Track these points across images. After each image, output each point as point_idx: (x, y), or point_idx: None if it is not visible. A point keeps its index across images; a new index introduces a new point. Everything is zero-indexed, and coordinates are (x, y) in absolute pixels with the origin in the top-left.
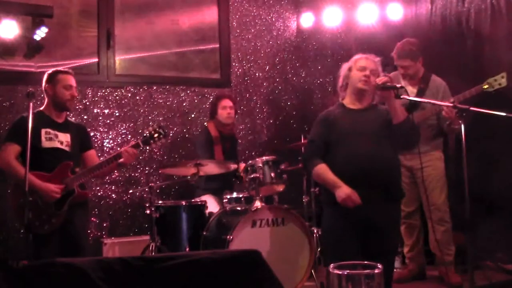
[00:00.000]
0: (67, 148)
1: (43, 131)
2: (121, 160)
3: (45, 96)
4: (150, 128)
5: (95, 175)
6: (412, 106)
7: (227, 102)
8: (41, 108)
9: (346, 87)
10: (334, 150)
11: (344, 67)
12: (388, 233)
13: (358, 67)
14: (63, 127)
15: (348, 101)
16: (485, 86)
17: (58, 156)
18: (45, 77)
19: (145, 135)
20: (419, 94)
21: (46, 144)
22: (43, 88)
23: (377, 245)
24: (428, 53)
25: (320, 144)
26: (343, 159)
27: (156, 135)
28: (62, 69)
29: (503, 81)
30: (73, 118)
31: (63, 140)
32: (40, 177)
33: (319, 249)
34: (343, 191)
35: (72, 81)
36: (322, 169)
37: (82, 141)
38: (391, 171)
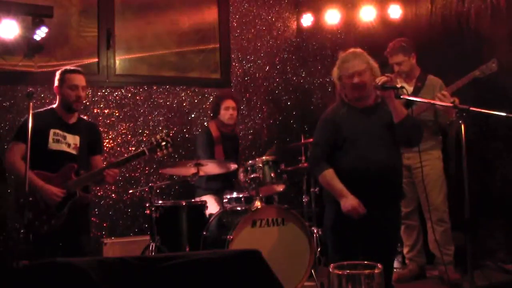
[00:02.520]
0: (74, 151)
1: (51, 132)
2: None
3: (57, 95)
4: (158, 136)
5: (96, 183)
6: (409, 102)
7: (230, 103)
8: (54, 106)
9: (343, 88)
10: (340, 153)
11: (334, 74)
12: (388, 233)
13: (347, 75)
14: (74, 128)
15: (352, 101)
16: (477, 73)
17: (64, 159)
18: (55, 75)
19: (152, 142)
20: (415, 92)
21: (53, 146)
22: (54, 87)
23: (378, 245)
24: (428, 53)
25: (326, 148)
26: (350, 163)
27: (163, 143)
28: (70, 68)
29: (494, 67)
30: None
31: (71, 142)
32: (43, 177)
33: (319, 249)
34: (349, 202)
35: (78, 80)
36: (329, 176)
37: (91, 144)
38: (395, 173)
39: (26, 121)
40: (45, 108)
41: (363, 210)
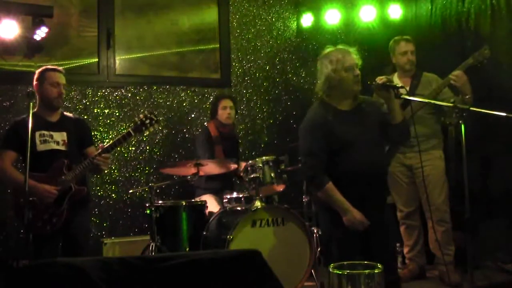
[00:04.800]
0: (63, 147)
1: (37, 134)
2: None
3: (37, 96)
4: (141, 115)
5: (91, 171)
6: (406, 102)
7: (228, 103)
8: (35, 110)
9: (331, 89)
10: (336, 158)
11: (325, 68)
12: (388, 231)
13: (345, 67)
14: (58, 125)
15: (337, 102)
16: (471, 61)
17: (55, 157)
18: (35, 75)
19: (136, 122)
20: (412, 90)
21: (41, 147)
22: (34, 85)
23: (381, 245)
24: (428, 53)
25: (322, 157)
26: (348, 167)
27: (147, 121)
28: (51, 67)
29: (487, 53)
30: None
31: (59, 139)
32: (35, 178)
33: (319, 249)
34: (355, 217)
35: (59, 78)
36: (330, 190)
37: (80, 137)
38: (385, 172)
39: (11, 127)
40: (26, 115)
41: (367, 223)
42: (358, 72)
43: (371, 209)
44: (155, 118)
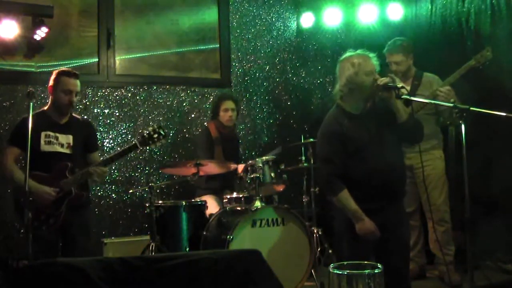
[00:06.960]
0: (67, 151)
1: (42, 134)
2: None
3: (50, 96)
4: (150, 129)
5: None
6: (407, 103)
7: (229, 104)
8: (45, 108)
9: (350, 91)
10: (351, 161)
11: (347, 70)
12: (401, 232)
13: (366, 71)
14: (65, 128)
15: (351, 106)
16: (473, 63)
17: (58, 159)
18: (52, 75)
19: (143, 135)
20: (413, 90)
21: (45, 148)
22: (48, 87)
23: (397, 246)
24: (428, 53)
25: (339, 164)
26: (364, 170)
27: (155, 135)
28: (67, 71)
29: (489, 55)
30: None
31: (63, 142)
32: (37, 178)
33: (319, 249)
34: (366, 226)
35: (73, 85)
36: (344, 197)
37: (86, 142)
38: (403, 172)
39: (19, 124)
40: (36, 112)
41: (378, 232)
42: (377, 76)
43: (388, 211)
44: (163, 134)
